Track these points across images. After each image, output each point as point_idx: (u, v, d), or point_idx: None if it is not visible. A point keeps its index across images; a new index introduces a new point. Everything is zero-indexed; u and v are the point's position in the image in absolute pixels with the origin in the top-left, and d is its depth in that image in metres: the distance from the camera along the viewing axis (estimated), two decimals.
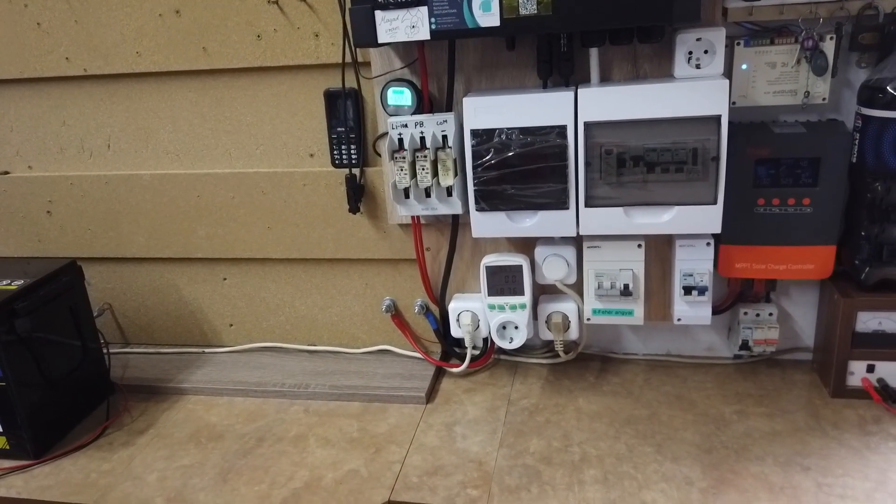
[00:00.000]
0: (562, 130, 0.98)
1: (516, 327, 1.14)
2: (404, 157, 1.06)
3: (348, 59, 1.10)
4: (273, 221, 1.25)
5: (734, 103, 1.03)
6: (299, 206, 1.23)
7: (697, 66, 0.98)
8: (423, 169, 1.06)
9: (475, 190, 1.03)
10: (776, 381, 1.15)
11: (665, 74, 1.03)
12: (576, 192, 1.01)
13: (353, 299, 1.29)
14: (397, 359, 1.28)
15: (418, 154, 1.06)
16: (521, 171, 1.01)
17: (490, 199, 1.03)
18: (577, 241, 1.10)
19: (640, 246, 1.07)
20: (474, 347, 1.21)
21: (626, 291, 1.08)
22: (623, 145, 0.98)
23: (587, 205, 1.01)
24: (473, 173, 1.02)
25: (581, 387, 1.18)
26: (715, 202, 0.98)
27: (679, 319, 1.10)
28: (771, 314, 1.15)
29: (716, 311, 1.14)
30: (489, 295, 1.13)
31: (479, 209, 1.04)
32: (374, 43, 0.97)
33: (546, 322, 1.17)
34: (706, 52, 0.97)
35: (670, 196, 0.99)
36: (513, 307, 1.13)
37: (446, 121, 1.05)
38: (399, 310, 1.28)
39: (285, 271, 1.30)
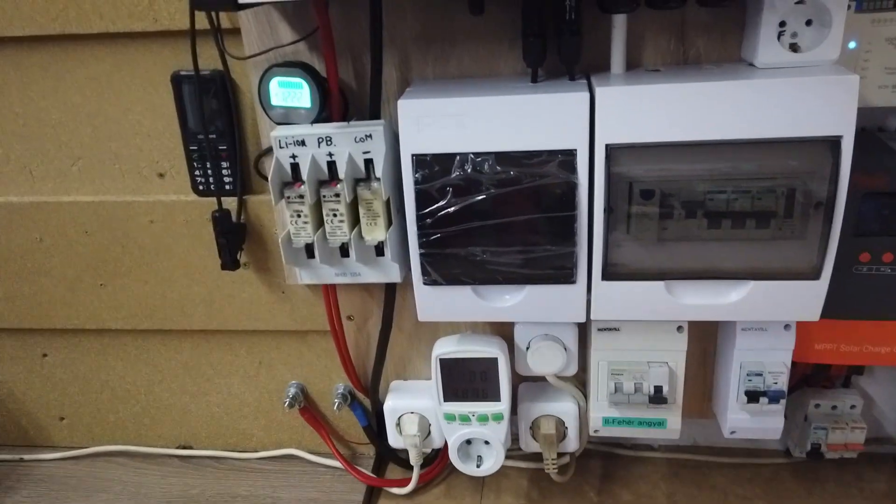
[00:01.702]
0: (567, 158, 0.58)
1: (487, 443, 0.75)
2: (302, 197, 0.63)
3: (204, 24, 0.65)
4: (107, 276, 0.81)
5: None
6: (146, 253, 0.79)
7: (794, 48, 0.58)
8: (335, 214, 0.64)
9: (422, 254, 0.62)
10: (852, 494, 0.81)
11: (733, 58, 0.62)
12: (588, 259, 0.61)
13: (242, 383, 0.87)
14: (310, 470, 0.87)
15: (325, 190, 0.63)
16: (499, 226, 0.60)
17: (446, 268, 0.62)
18: None
19: (680, 330, 0.69)
20: (424, 462, 0.82)
21: (657, 396, 0.70)
22: (669, 183, 0.58)
23: (606, 276, 0.61)
24: (418, 227, 0.61)
25: None
26: (818, 275, 0.59)
27: (733, 433, 0.73)
28: (853, 407, 0.79)
29: None
30: (446, 400, 0.73)
31: (429, 282, 0.63)
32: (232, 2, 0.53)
33: (531, 430, 0.78)
34: (809, 22, 0.57)
35: (744, 263, 0.60)
36: (482, 419, 0.73)
37: (370, 135, 0.62)
38: (311, 399, 0.87)
39: (135, 346, 0.87)
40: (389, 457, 0.86)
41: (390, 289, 0.73)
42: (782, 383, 0.68)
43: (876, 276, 0.67)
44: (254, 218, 0.75)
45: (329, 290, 0.74)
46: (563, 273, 0.61)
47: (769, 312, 0.62)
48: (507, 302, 0.64)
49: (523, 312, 0.64)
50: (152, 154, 0.75)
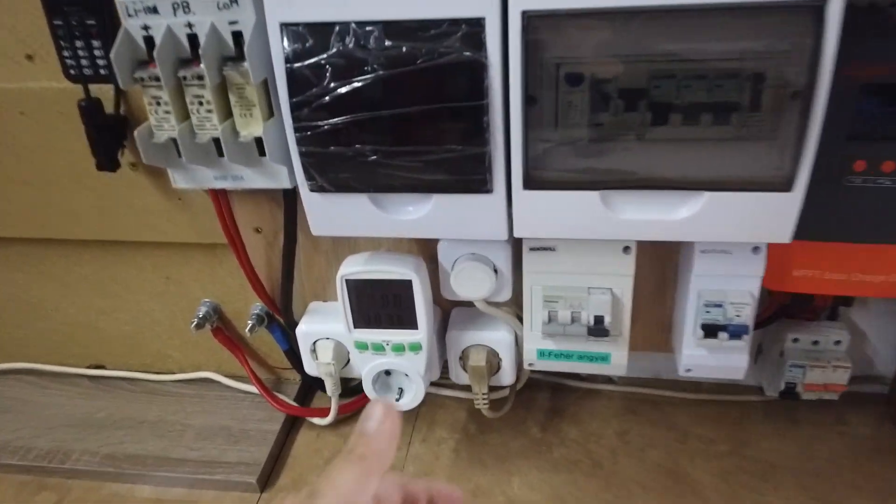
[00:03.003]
0: (473, 30, 0.45)
1: (406, 375, 0.66)
2: (159, 80, 0.51)
3: None
4: None
5: None
6: (23, 150, 0.68)
7: None
8: (201, 102, 0.52)
9: (301, 154, 0.50)
10: (831, 438, 0.71)
11: None
12: (506, 162, 0.49)
13: (151, 300, 0.78)
14: (228, 395, 0.80)
15: (186, 71, 0.52)
16: (392, 119, 0.48)
17: (332, 171, 0.51)
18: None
19: (627, 251, 0.57)
20: (351, 390, 0.73)
21: (597, 328, 0.59)
22: (604, 66, 0.45)
23: (528, 185, 0.49)
24: (294, 119, 0.49)
25: (518, 449, 0.72)
26: (790, 186, 0.47)
27: (689, 370, 0.63)
28: (838, 343, 0.68)
29: None
30: (356, 327, 0.63)
31: (315, 188, 0.52)
32: None
33: (461, 360, 0.68)
34: None
35: (697, 170, 0.47)
36: (397, 348, 0.63)
37: (237, 1, 0.49)
38: (226, 319, 0.78)
39: (34, 256, 0.78)
40: (317, 384, 0.78)
41: (289, 197, 0.62)
42: (746, 316, 0.57)
43: (872, 189, 0.54)
44: (138, 110, 0.64)
45: (219, 198, 0.63)
46: (475, 180, 0.50)
47: (728, 232, 0.50)
48: (410, 214, 0.53)
49: (431, 227, 0.53)
50: (17, 31, 0.63)
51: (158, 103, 0.52)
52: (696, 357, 0.61)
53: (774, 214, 0.48)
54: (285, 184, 0.56)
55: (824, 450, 0.70)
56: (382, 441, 0.31)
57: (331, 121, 0.48)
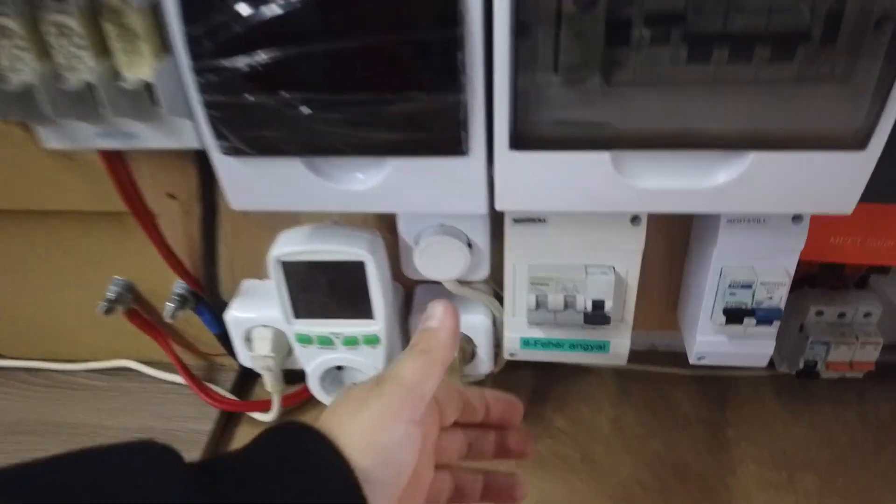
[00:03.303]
0: None
1: (362, 373, 0.55)
2: (3, 4, 0.36)
3: None
4: None
5: None
6: None
7: None
8: (63, 33, 0.38)
9: (205, 104, 0.36)
10: (852, 420, 0.63)
11: None
12: (486, 112, 0.36)
13: (53, 278, 0.64)
14: (151, 388, 0.67)
15: None
16: (332, 55, 0.34)
17: (250, 127, 0.37)
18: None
19: (636, 221, 0.46)
20: (298, 377, 0.62)
21: (596, 315, 0.48)
22: None
23: (517, 144, 0.37)
24: (192, 56, 0.35)
25: None
26: (864, 142, 0.35)
27: (701, 358, 0.53)
28: (868, 315, 0.58)
29: None
30: (297, 317, 0.51)
31: (228, 149, 0.38)
32: None
33: None
34: None
35: (747, 122, 0.35)
36: (350, 342, 0.52)
37: None
38: (143, 299, 0.65)
39: None
40: (252, 372, 0.66)
41: (202, 158, 0.48)
42: (779, 298, 0.47)
43: None
44: None
45: (110, 159, 0.49)
46: (445, 139, 0.37)
47: (774, 202, 0.38)
48: (360, 183, 0.40)
49: (387, 200, 0.40)
50: None
51: (5, 34, 0.38)
52: (713, 344, 0.51)
53: (839, 179, 0.37)
54: (193, 143, 0.42)
55: (845, 435, 0.61)
56: (444, 337, 0.33)
57: (244, 59, 0.34)
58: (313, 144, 0.37)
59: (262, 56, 0.34)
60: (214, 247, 0.54)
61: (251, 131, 0.37)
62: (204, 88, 0.35)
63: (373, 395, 0.29)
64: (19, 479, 0.24)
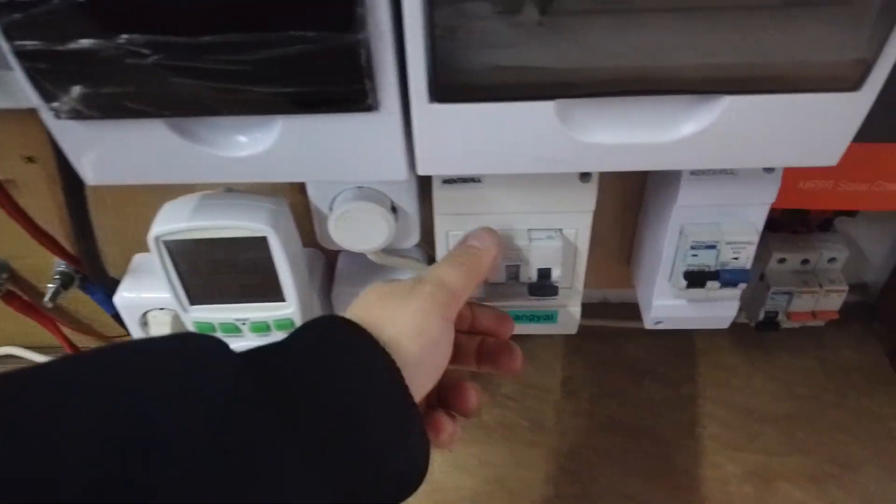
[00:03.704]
0: None
1: None
2: None
3: None
4: None
5: None
6: None
7: None
8: None
9: (18, 52, 0.27)
10: (812, 368, 0.60)
11: None
12: (397, 57, 0.28)
13: None
14: None
15: None
16: None
17: (85, 82, 0.28)
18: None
19: (586, 178, 0.39)
20: None
21: (542, 285, 0.42)
22: None
23: (440, 94, 0.29)
24: None
25: None
26: (860, 81, 0.29)
27: (659, 323, 0.47)
28: (832, 261, 0.54)
29: None
30: (193, 303, 0.43)
31: (65, 111, 0.29)
32: None
33: None
34: None
35: (721, 60, 0.28)
36: (259, 328, 0.44)
37: None
38: (22, 279, 0.56)
39: None
40: None
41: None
42: (746, 258, 0.41)
43: None
44: None
45: None
46: (345, 90, 0.29)
47: (749, 156, 0.32)
48: (243, 148, 0.32)
49: (280, 167, 0.32)
50: None
51: None
52: (671, 308, 0.45)
53: (826, 126, 0.30)
54: (26, 101, 0.33)
55: (805, 385, 0.58)
56: (486, 261, 0.35)
57: None
58: (172, 102, 0.29)
59: None
60: (86, 217, 0.45)
61: (87, 88, 0.28)
62: (10, 32, 0.26)
63: (416, 293, 0.31)
64: (75, 367, 0.24)
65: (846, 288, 0.53)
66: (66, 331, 0.57)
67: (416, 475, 0.29)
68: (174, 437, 0.22)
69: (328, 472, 0.25)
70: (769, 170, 0.38)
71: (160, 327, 0.48)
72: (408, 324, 0.30)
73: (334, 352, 0.28)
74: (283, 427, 0.24)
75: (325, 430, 0.26)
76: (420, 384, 0.29)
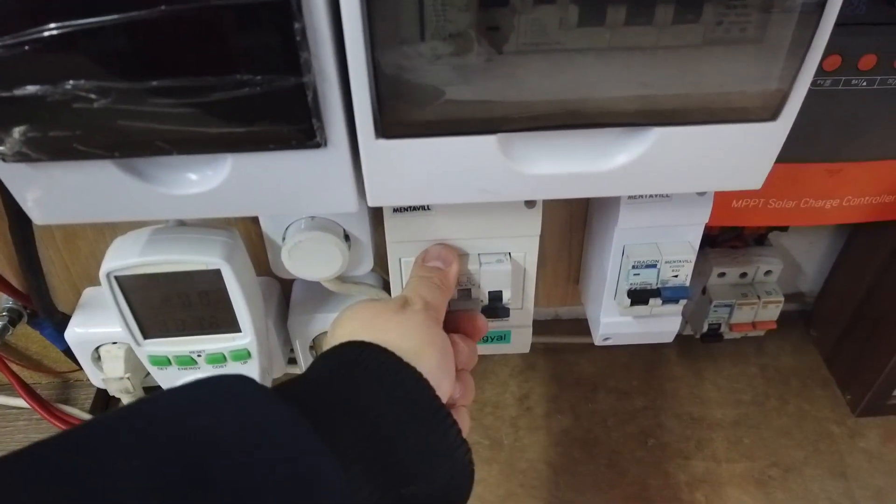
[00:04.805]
0: None
1: None
2: None
3: None
4: None
5: None
6: None
7: None
8: None
9: None
10: (754, 375, 0.62)
11: None
12: (343, 95, 0.29)
13: None
14: None
15: None
16: (130, 29, 0.26)
17: (31, 127, 0.28)
18: None
19: (531, 205, 0.40)
20: None
21: (494, 307, 0.43)
22: None
23: (385, 131, 0.30)
24: None
25: None
26: (776, 111, 0.31)
27: (607, 339, 0.49)
28: (769, 273, 0.57)
29: None
30: (147, 337, 0.43)
31: (11, 154, 0.29)
32: None
33: (312, 350, 0.51)
34: None
35: (649, 94, 0.30)
36: (215, 359, 0.44)
37: None
38: None
39: None
40: None
41: None
42: (685, 275, 0.43)
43: (845, 92, 0.41)
44: None
45: None
46: (294, 129, 0.30)
47: (679, 182, 0.34)
48: (194, 186, 0.32)
49: (232, 203, 0.33)
50: None
51: None
52: (618, 325, 0.47)
53: (749, 153, 0.33)
54: None
55: (748, 392, 0.61)
56: (452, 278, 0.39)
57: (5, 39, 0.25)
58: (121, 144, 0.29)
59: (31, 33, 0.25)
60: (33, 252, 0.45)
61: (34, 131, 0.28)
62: None
63: (410, 310, 0.34)
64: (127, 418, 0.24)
65: (782, 299, 0.56)
66: (15, 367, 0.56)
67: (465, 477, 0.31)
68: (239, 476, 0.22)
69: (382, 486, 0.26)
70: (701, 193, 0.40)
71: (113, 362, 0.48)
72: (418, 337, 0.32)
73: (364, 374, 0.29)
74: (332, 450, 0.25)
75: (372, 448, 0.27)
76: (444, 391, 0.32)
